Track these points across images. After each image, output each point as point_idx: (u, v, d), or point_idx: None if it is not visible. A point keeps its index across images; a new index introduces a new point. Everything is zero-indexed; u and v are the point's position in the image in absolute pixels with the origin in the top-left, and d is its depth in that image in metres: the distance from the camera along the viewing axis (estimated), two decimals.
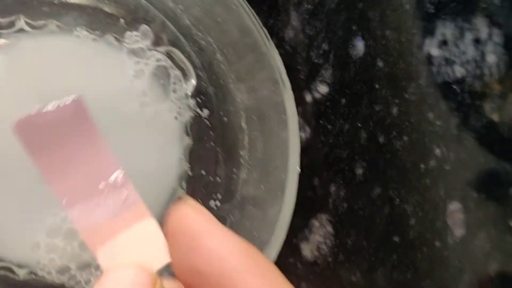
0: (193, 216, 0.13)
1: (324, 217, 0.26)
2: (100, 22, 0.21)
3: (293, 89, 0.26)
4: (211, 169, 0.21)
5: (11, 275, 0.19)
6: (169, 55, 0.21)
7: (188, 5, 0.20)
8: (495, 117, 0.29)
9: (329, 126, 0.27)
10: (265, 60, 0.19)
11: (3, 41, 0.20)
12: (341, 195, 0.27)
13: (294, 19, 0.26)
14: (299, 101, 0.26)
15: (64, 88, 0.20)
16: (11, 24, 0.20)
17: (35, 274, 0.19)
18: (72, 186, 0.15)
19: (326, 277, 0.26)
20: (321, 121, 0.27)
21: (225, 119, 0.21)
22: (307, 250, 0.26)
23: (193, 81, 0.21)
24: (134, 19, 0.21)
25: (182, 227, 0.13)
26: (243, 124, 0.21)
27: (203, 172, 0.21)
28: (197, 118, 0.21)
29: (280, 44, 0.26)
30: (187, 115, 0.21)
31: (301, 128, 0.26)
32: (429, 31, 0.28)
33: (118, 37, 0.21)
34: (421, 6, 0.28)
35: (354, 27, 0.27)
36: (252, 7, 0.19)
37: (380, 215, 0.27)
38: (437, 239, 0.28)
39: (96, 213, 0.15)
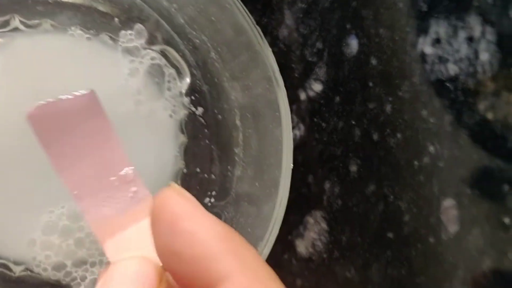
0: (176, 199, 0.13)
1: (318, 214, 0.27)
2: (95, 21, 0.21)
3: (287, 87, 0.26)
4: (205, 167, 0.21)
5: (7, 272, 0.19)
6: (163, 54, 0.21)
7: (182, 4, 0.20)
8: (488, 114, 0.29)
9: (323, 124, 0.27)
10: (259, 59, 0.19)
11: None
12: (335, 192, 0.27)
13: (288, 18, 0.26)
14: (294, 99, 0.26)
15: (59, 87, 0.20)
16: (6, 23, 0.20)
17: (31, 271, 0.19)
18: (83, 178, 0.15)
19: (321, 273, 0.27)
20: (315, 119, 0.27)
21: (220, 117, 0.21)
22: (302, 247, 0.26)
23: (188, 80, 0.22)
24: (129, 18, 0.21)
25: (164, 211, 0.13)
26: (238, 122, 0.21)
27: (198, 170, 0.21)
28: (191, 116, 0.22)
29: (274, 42, 0.26)
30: (182, 113, 0.22)
31: (295, 126, 0.26)
32: (422, 29, 0.28)
33: (112, 36, 0.21)
34: (415, 4, 0.28)
35: (348, 26, 0.27)
36: (246, 6, 0.19)
37: (375, 211, 0.27)
38: (431, 235, 0.28)
39: (106, 206, 0.15)
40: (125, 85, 0.21)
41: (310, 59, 0.27)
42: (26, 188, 0.20)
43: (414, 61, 0.28)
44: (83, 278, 0.20)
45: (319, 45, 0.27)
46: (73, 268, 0.20)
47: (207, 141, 0.21)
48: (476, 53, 0.29)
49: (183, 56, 0.21)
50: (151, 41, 0.21)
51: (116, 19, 0.21)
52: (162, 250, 0.13)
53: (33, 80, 0.20)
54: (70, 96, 0.15)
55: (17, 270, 0.19)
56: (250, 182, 0.20)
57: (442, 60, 0.29)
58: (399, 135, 0.28)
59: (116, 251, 0.14)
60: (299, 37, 0.27)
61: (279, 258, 0.26)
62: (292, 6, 0.26)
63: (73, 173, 0.15)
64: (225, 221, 0.20)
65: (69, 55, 0.20)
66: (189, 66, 0.21)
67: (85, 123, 0.15)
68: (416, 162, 0.28)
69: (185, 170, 0.21)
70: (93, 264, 0.20)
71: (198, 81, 0.22)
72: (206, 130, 0.21)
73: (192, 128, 0.21)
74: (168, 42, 0.21)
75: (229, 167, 0.21)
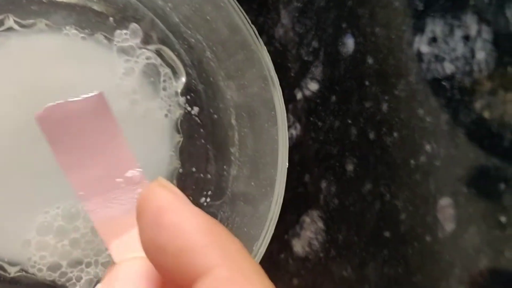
0: (161, 193, 0.13)
1: (315, 213, 0.27)
2: (89, 21, 0.21)
3: (284, 87, 0.26)
4: (201, 166, 0.21)
5: (2, 272, 0.19)
6: (158, 53, 0.21)
7: (177, 3, 0.20)
8: (484, 113, 0.29)
9: (319, 123, 0.27)
10: (254, 58, 0.19)
11: None
12: (332, 191, 0.27)
13: (284, 17, 0.26)
14: (290, 98, 0.26)
15: (54, 87, 0.20)
16: (0, 23, 0.20)
17: (26, 271, 0.19)
18: (89, 179, 0.15)
19: (318, 272, 0.27)
20: (311, 118, 0.27)
21: (215, 116, 0.21)
22: (299, 246, 0.26)
23: (183, 79, 0.21)
24: (124, 18, 0.21)
25: (149, 204, 0.13)
26: (233, 121, 0.21)
27: (194, 169, 0.21)
28: (187, 116, 0.22)
29: (270, 42, 0.26)
30: (178, 113, 0.21)
31: (291, 125, 0.26)
32: (418, 28, 0.28)
33: (107, 35, 0.21)
34: (411, 3, 0.28)
35: (343, 25, 0.27)
36: (242, 5, 0.19)
37: (371, 210, 0.27)
38: (427, 234, 0.28)
39: (111, 207, 0.15)
40: (120, 84, 0.21)
41: (306, 58, 0.27)
42: (21, 189, 0.19)
43: (411, 60, 0.28)
44: (79, 279, 0.20)
45: (315, 44, 0.27)
46: (69, 269, 0.20)
47: (202, 141, 0.21)
48: (472, 52, 0.29)
49: (178, 56, 0.21)
50: (146, 40, 0.21)
51: (111, 19, 0.21)
52: (147, 243, 0.13)
53: (28, 80, 0.20)
54: (78, 98, 0.15)
55: (12, 271, 0.19)
56: (246, 182, 0.20)
57: (438, 59, 0.29)
58: (395, 134, 0.28)
59: (120, 252, 0.14)
60: (295, 36, 0.26)
61: (276, 258, 0.26)
62: (288, 5, 0.26)
63: (80, 174, 0.15)
64: (221, 220, 0.20)
65: (64, 54, 0.20)
66: (185, 65, 0.21)
67: (93, 125, 0.15)
68: (412, 161, 0.28)
69: (180, 170, 0.21)
70: (88, 265, 0.20)
71: (193, 81, 0.22)
72: (201, 130, 0.21)
73: (187, 128, 0.21)
74: (163, 41, 0.21)
75: (225, 166, 0.21)
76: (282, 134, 0.19)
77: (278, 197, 0.19)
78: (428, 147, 0.28)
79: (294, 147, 0.26)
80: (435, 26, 0.28)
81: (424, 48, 0.28)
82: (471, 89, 0.29)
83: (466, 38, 0.29)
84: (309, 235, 0.26)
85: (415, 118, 0.28)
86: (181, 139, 0.22)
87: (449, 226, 0.28)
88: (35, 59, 0.20)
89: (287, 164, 0.19)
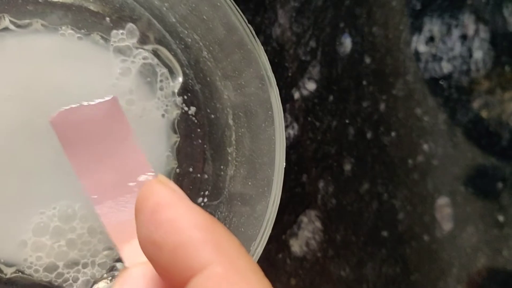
0: (159, 189, 0.13)
1: (312, 213, 0.27)
2: (86, 21, 0.21)
3: (281, 87, 0.26)
4: (198, 166, 0.21)
5: None
6: (155, 53, 0.21)
7: (173, 3, 0.20)
8: (482, 112, 0.29)
9: (317, 123, 0.27)
10: (251, 58, 0.19)
11: None
12: (329, 191, 0.27)
13: (281, 17, 0.26)
14: (287, 98, 0.26)
15: (50, 87, 0.20)
16: None
17: (23, 272, 0.19)
18: (102, 183, 0.15)
19: (316, 272, 0.27)
20: (309, 118, 0.27)
21: (212, 116, 0.21)
22: (296, 246, 0.26)
23: (180, 79, 0.21)
24: (120, 18, 0.21)
25: (147, 200, 0.13)
26: (230, 121, 0.21)
27: (191, 169, 0.21)
28: (184, 116, 0.21)
29: (267, 41, 0.26)
30: (174, 113, 0.21)
31: (289, 125, 0.26)
32: (416, 28, 0.28)
33: (104, 35, 0.21)
34: (408, 2, 0.28)
35: (341, 24, 0.27)
36: (239, 5, 0.19)
37: (369, 210, 0.27)
38: (425, 233, 0.28)
39: (124, 211, 0.15)
40: (117, 84, 0.21)
41: (303, 58, 0.27)
42: (17, 189, 0.19)
43: (408, 60, 0.28)
44: (75, 279, 0.20)
45: (312, 44, 0.27)
46: (65, 269, 0.19)
47: (199, 141, 0.21)
48: (469, 51, 0.29)
49: (175, 56, 0.21)
50: (143, 40, 0.21)
51: (107, 19, 0.21)
52: (144, 240, 0.12)
53: (24, 81, 0.20)
54: (92, 102, 0.15)
55: (8, 272, 0.19)
56: (243, 182, 0.20)
57: (436, 58, 0.29)
58: (393, 134, 0.28)
59: (132, 256, 0.14)
60: (292, 36, 0.26)
61: (274, 258, 0.26)
62: (285, 5, 0.26)
63: (93, 177, 0.15)
64: (218, 220, 0.20)
65: (60, 55, 0.20)
66: (181, 65, 0.21)
67: (107, 129, 0.15)
68: (410, 161, 0.28)
69: (177, 170, 0.21)
70: (85, 265, 0.20)
71: (190, 81, 0.21)
72: (198, 130, 0.21)
73: (184, 128, 0.21)
74: (160, 41, 0.21)
75: (222, 166, 0.21)
76: (279, 134, 0.19)
77: (275, 197, 0.19)
78: (425, 147, 0.28)
79: (292, 147, 0.26)
80: (433, 26, 0.28)
81: (422, 48, 0.28)
82: (468, 88, 0.29)
83: (464, 37, 0.29)
84: (307, 235, 0.26)
85: (413, 117, 0.28)
86: (178, 139, 0.21)
87: (447, 225, 0.28)
88: (31, 59, 0.20)
89: (284, 164, 0.19)
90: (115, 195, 0.15)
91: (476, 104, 0.29)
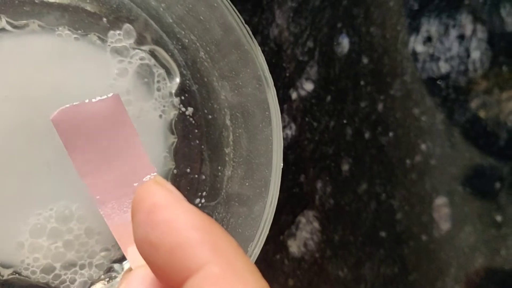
0: (155, 190, 0.13)
1: (310, 213, 0.27)
2: (83, 21, 0.20)
3: (279, 87, 0.26)
4: (196, 167, 0.21)
5: None
6: (152, 54, 0.21)
7: (170, 4, 0.20)
8: (480, 112, 0.29)
9: (314, 123, 0.27)
10: (248, 58, 0.19)
11: None
12: (327, 191, 0.27)
13: (279, 17, 0.26)
14: (285, 98, 0.26)
15: (47, 88, 0.20)
16: None
17: (19, 274, 0.19)
18: (106, 183, 0.15)
19: (314, 272, 0.27)
20: (306, 118, 0.27)
21: (210, 116, 0.21)
22: (294, 247, 0.26)
23: (177, 79, 0.21)
24: (117, 18, 0.21)
25: (144, 201, 0.13)
26: (228, 122, 0.21)
27: (188, 170, 0.21)
28: (181, 116, 0.21)
29: (265, 42, 0.26)
30: (172, 113, 0.21)
31: (287, 126, 0.26)
32: (414, 28, 0.28)
33: (101, 36, 0.21)
34: (406, 3, 0.28)
35: (338, 24, 0.27)
36: (236, 5, 0.19)
37: (367, 210, 0.27)
38: (423, 233, 0.28)
39: (128, 212, 0.15)
40: (114, 85, 0.21)
41: (301, 58, 0.27)
42: (13, 191, 0.19)
43: (406, 60, 0.28)
44: (72, 281, 0.20)
45: (310, 44, 0.27)
46: (62, 271, 0.19)
47: (197, 141, 0.21)
48: (467, 51, 0.29)
49: (172, 56, 0.21)
50: (140, 41, 0.21)
51: (104, 19, 0.21)
52: (141, 240, 0.12)
53: (21, 81, 0.20)
54: (94, 100, 0.15)
55: (5, 273, 0.19)
56: (241, 182, 0.20)
57: (433, 58, 0.29)
58: (391, 134, 0.28)
59: (137, 257, 0.14)
60: (290, 36, 0.26)
61: (271, 258, 0.26)
62: (282, 5, 0.26)
63: (96, 177, 0.15)
64: (216, 221, 0.20)
65: (57, 55, 0.20)
66: (179, 66, 0.21)
67: (110, 128, 0.15)
68: (408, 161, 0.28)
69: (175, 171, 0.21)
70: (82, 267, 0.20)
71: (187, 81, 0.21)
72: (196, 130, 0.21)
73: (182, 128, 0.21)
74: (157, 42, 0.21)
75: (219, 167, 0.21)
76: (277, 134, 0.19)
77: (273, 198, 0.18)
78: (423, 147, 0.28)
79: (289, 147, 0.26)
80: (430, 26, 0.28)
81: (419, 48, 0.28)
82: (466, 88, 0.29)
83: (461, 37, 0.29)
84: (304, 235, 0.26)
85: (411, 117, 0.28)
86: (176, 139, 0.21)
87: (445, 225, 0.28)
88: (28, 60, 0.20)
89: (282, 164, 0.19)
90: (118, 195, 0.15)
91: (473, 104, 0.29)
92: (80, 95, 0.20)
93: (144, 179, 0.15)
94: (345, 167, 0.27)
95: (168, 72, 0.21)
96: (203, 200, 0.21)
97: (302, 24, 0.27)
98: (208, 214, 0.21)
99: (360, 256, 0.27)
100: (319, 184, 0.27)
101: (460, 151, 0.29)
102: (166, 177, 0.21)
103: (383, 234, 0.28)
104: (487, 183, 0.29)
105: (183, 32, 0.21)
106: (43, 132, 0.19)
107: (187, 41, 0.21)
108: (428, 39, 0.29)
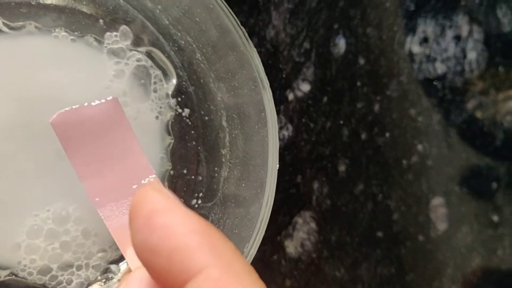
0: (153, 195, 0.13)
1: (307, 214, 0.27)
2: (79, 23, 0.21)
3: (275, 88, 0.26)
4: (192, 168, 0.21)
5: None
6: (149, 55, 0.21)
7: (166, 5, 0.20)
8: (476, 113, 0.29)
9: (311, 124, 0.27)
10: (244, 60, 0.19)
11: None
12: (324, 192, 0.27)
13: (275, 18, 0.26)
14: (281, 99, 0.26)
15: (44, 89, 0.20)
16: None
17: (16, 275, 0.19)
18: (105, 185, 0.15)
19: (311, 273, 0.27)
20: (303, 119, 0.27)
21: (206, 118, 0.21)
22: (291, 247, 0.26)
23: (174, 81, 0.21)
24: (114, 20, 0.21)
25: (142, 206, 0.13)
26: (224, 123, 0.21)
27: (185, 171, 0.21)
28: (178, 117, 0.22)
29: (261, 43, 0.26)
30: (168, 115, 0.21)
31: (283, 127, 0.26)
32: (410, 29, 0.28)
33: (97, 37, 0.21)
34: (402, 3, 0.28)
35: (335, 26, 0.27)
36: (233, 7, 0.19)
37: (363, 211, 0.27)
38: (420, 233, 0.28)
39: (127, 214, 0.15)
40: (110, 86, 0.21)
41: (297, 59, 0.27)
42: (10, 192, 0.19)
43: (402, 60, 0.28)
44: (69, 282, 0.20)
45: (306, 45, 0.27)
46: (59, 272, 0.19)
47: (193, 142, 0.21)
48: (463, 52, 0.29)
49: (169, 58, 0.21)
50: (136, 42, 0.21)
51: (101, 21, 0.21)
52: (139, 246, 0.13)
53: (17, 83, 0.20)
54: (93, 103, 0.15)
55: (2, 275, 0.19)
56: (237, 183, 0.20)
57: (430, 59, 0.29)
58: (387, 134, 0.28)
59: (136, 258, 0.14)
60: (286, 37, 0.27)
61: (268, 259, 0.26)
62: (279, 6, 0.26)
63: (95, 180, 0.15)
64: (212, 222, 0.20)
65: (53, 57, 0.20)
66: (175, 67, 0.21)
67: (108, 130, 0.15)
68: (404, 161, 0.28)
69: (171, 172, 0.21)
70: (79, 268, 0.20)
71: (184, 82, 0.22)
72: (192, 131, 0.21)
73: (178, 130, 0.21)
74: (154, 43, 0.21)
75: (216, 168, 0.21)
76: (272, 135, 0.19)
77: (269, 199, 0.19)
78: (420, 147, 0.28)
79: (286, 148, 0.26)
80: (427, 27, 0.29)
81: (416, 49, 0.28)
82: (462, 89, 0.29)
83: (458, 38, 0.29)
84: (301, 236, 0.27)
85: (407, 118, 0.28)
86: (172, 141, 0.22)
87: (441, 225, 0.28)
88: (25, 61, 0.20)
89: (278, 165, 0.19)
90: (117, 197, 0.15)
91: (470, 105, 0.29)
92: (77, 97, 0.20)
93: (142, 181, 0.15)
94: (342, 168, 0.27)
95: (165, 74, 0.21)
96: (199, 201, 0.21)
97: (298, 25, 0.27)
98: (205, 215, 0.21)
99: (357, 257, 0.27)
100: (315, 185, 0.27)
101: (457, 151, 0.29)
102: (163, 178, 0.21)
103: (379, 234, 0.28)
104: (484, 183, 0.29)
105: (180, 34, 0.21)
106: (40, 134, 0.19)
107: (183, 42, 0.21)
108: (425, 40, 0.29)
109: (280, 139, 0.26)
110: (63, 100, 0.20)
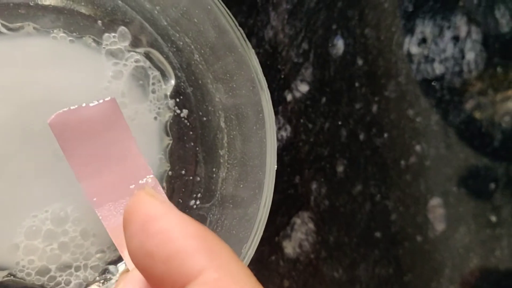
0: (148, 201, 0.13)
1: (305, 214, 0.27)
2: (78, 24, 0.21)
3: (274, 89, 0.26)
4: (191, 169, 0.21)
5: None
6: (147, 56, 0.21)
7: (164, 6, 0.20)
8: (475, 113, 0.29)
9: (309, 125, 0.27)
10: (242, 61, 0.19)
11: None
12: (322, 192, 0.27)
13: (274, 19, 0.26)
14: (280, 100, 0.26)
15: (42, 90, 0.20)
16: None
17: (14, 276, 0.19)
18: (103, 185, 0.15)
19: (309, 273, 0.27)
20: (301, 120, 0.27)
21: (204, 118, 0.21)
22: (289, 248, 0.26)
23: (172, 82, 0.21)
24: (112, 21, 0.21)
25: (137, 212, 0.13)
26: (222, 124, 0.21)
27: (183, 172, 0.21)
28: (176, 118, 0.22)
29: (260, 44, 0.26)
30: (167, 115, 0.21)
31: (282, 127, 0.26)
32: (408, 29, 0.28)
33: (96, 38, 0.21)
34: (400, 4, 0.28)
35: (333, 26, 0.27)
36: (231, 8, 0.19)
37: (362, 211, 0.27)
38: (418, 234, 0.28)
39: None
40: (109, 87, 0.21)
41: (296, 60, 0.27)
42: (8, 193, 0.19)
43: (400, 61, 0.28)
44: (68, 283, 0.20)
45: (305, 46, 0.27)
46: (57, 273, 0.19)
47: (192, 143, 0.21)
48: (462, 53, 0.29)
49: (167, 58, 0.21)
50: (135, 43, 0.21)
51: (99, 22, 0.21)
52: (136, 251, 0.13)
53: (15, 84, 0.20)
54: (91, 104, 0.15)
55: (0, 276, 0.19)
56: (235, 184, 0.20)
57: (428, 59, 0.29)
58: (385, 135, 0.28)
59: None
60: (284, 38, 0.27)
61: (267, 260, 0.26)
62: (277, 7, 0.26)
63: (93, 180, 0.15)
64: (210, 223, 0.20)
65: (52, 58, 0.20)
66: (173, 68, 0.21)
67: (106, 131, 0.15)
68: (402, 162, 0.28)
69: (170, 173, 0.21)
70: (77, 268, 0.20)
71: (182, 83, 0.22)
72: (191, 132, 0.21)
73: (177, 130, 0.21)
74: (152, 44, 0.21)
75: (214, 169, 0.21)
76: (270, 136, 0.19)
77: (267, 200, 0.19)
78: (418, 148, 0.28)
79: (285, 149, 0.26)
80: (425, 27, 0.29)
81: (414, 49, 0.28)
82: (461, 89, 0.29)
83: (456, 39, 0.29)
84: (300, 236, 0.27)
85: (405, 118, 0.28)
86: (171, 141, 0.22)
87: (439, 226, 0.28)
88: (23, 62, 0.20)
89: (276, 166, 0.19)
90: (115, 197, 0.15)
91: (468, 105, 0.29)
92: (75, 98, 0.20)
93: (140, 182, 0.15)
94: (340, 168, 0.27)
95: (163, 74, 0.21)
96: (197, 202, 0.21)
97: (297, 26, 0.27)
98: (203, 215, 0.21)
99: (355, 257, 0.27)
100: (314, 185, 0.27)
101: (455, 152, 0.29)
102: (161, 179, 0.21)
103: (378, 235, 0.28)
104: (482, 183, 0.29)
105: (178, 35, 0.21)
106: (38, 134, 0.19)
107: (181, 43, 0.21)
108: (423, 41, 0.29)
109: (278, 140, 0.26)
110: (61, 101, 0.19)
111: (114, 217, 0.15)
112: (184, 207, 0.21)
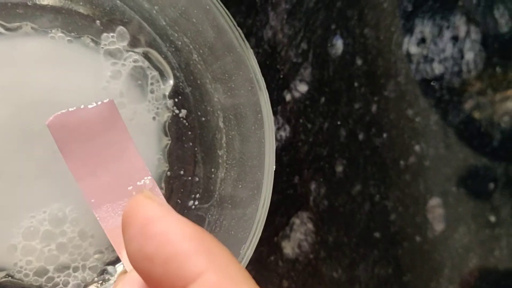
0: (146, 204, 0.13)
1: (305, 214, 0.27)
2: (76, 24, 0.20)
3: (273, 89, 0.26)
4: (189, 169, 0.21)
5: None
6: (146, 56, 0.21)
7: (163, 6, 0.20)
8: (474, 113, 0.29)
9: (309, 125, 0.27)
10: (241, 61, 0.19)
11: None
12: (321, 192, 0.27)
13: (273, 19, 0.26)
14: (279, 100, 0.26)
15: (40, 90, 0.20)
16: None
17: (12, 276, 0.19)
18: (101, 186, 0.15)
19: (308, 274, 0.27)
20: (301, 120, 0.27)
21: (203, 119, 0.21)
22: (289, 248, 0.26)
23: (171, 82, 0.21)
24: (110, 21, 0.21)
25: (135, 215, 0.13)
26: (221, 124, 0.21)
27: (182, 172, 0.21)
28: (175, 118, 0.21)
29: (259, 44, 0.26)
30: (165, 116, 0.21)
31: (281, 127, 0.26)
32: (407, 29, 0.28)
33: (94, 38, 0.21)
34: (400, 4, 0.28)
35: (332, 26, 0.27)
36: (230, 7, 0.19)
37: (361, 211, 0.27)
38: (417, 234, 0.28)
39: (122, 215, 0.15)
40: (107, 87, 0.21)
41: (295, 60, 0.27)
42: (6, 193, 0.19)
43: (400, 61, 0.28)
44: (66, 283, 0.20)
45: (304, 45, 0.27)
46: (56, 273, 0.19)
47: (190, 143, 0.21)
48: (461, 53, 0.29)
49: (165, 58, 0.21)
50: (133, 43, 0.21)
51: (97, 22, 0.21)
52: (134, 254, 0.13)
53: (13, 84, 0.20)
54: (89, 106, 0.15)
55: None
56: (234, 184, 0.20)
57: (427, 59, 0.29)
58: (384, 135, 0.28)
59: None
60: (284, 38, 0.27)
61: (266, 260, 0.26)
62: (276, 7, 0.26)
63: (91, 181, 0.15)
64: (209, 223, 0.20)
65: (50, 57, 0.20)
66: (172, 68, 0.21)
67: (104, 132, 0.15)
68: (402, 162, 0.28)
69: (169, 173, 0.21)
70: (75, 269, 0.20)
71: (181, 83, 0.21)
72: (189, 132, 0.21)
73: (175, 130, 0.21)
74: (151, 44, 0.21)
75: (212, 169, 0.21)
76: (269, 136, 0.19)
77: (265, 200, 0.19)
78: (417, 148, 0.28)
79: (284, 149, 0.26)
80: (424, 27, 0.29)
81: (413, 49, 0.28)
82: (460, 89, 0.29)
83: (455, 38, 0.29)
84: (299, 236, 0.27)
85: (405, 118, 0.28)
86: (169, 142, 0.22)
87: (439, 226, 0.28)
88: (21, 62, 0.20)
89: (274, 166, 0.19)
90: (113, 198, 0.15)
91: (467, 105, 0.29)
92: (73, 98, 0.20)
93: (138, 183, 0.15)
94: (339, 169, 0.27)
95: (162, 75, 0.21)
96: (196, 202, 0.21)
97: (296, 26, 0.27)
98: (202, 216, 0.21)
99: (354, 257, 0.27)
100: (313, 186, 0.27)
101: (454, 152, 0.29)
102: (160, 179, 0.21)
103: (377, 235, 0.28)
104: (481, 183, 0.29)
105: (176, 35, 0.21)
106: (36, 135, 0.19)
107: (180, 43, 0.21)
108: (422, 41, 0.29)
109: (277, 140, 0.26)
110: (59, 101, 0.19)
111: (112, 218, 0.15)
112: (182, 208, 0.21)
